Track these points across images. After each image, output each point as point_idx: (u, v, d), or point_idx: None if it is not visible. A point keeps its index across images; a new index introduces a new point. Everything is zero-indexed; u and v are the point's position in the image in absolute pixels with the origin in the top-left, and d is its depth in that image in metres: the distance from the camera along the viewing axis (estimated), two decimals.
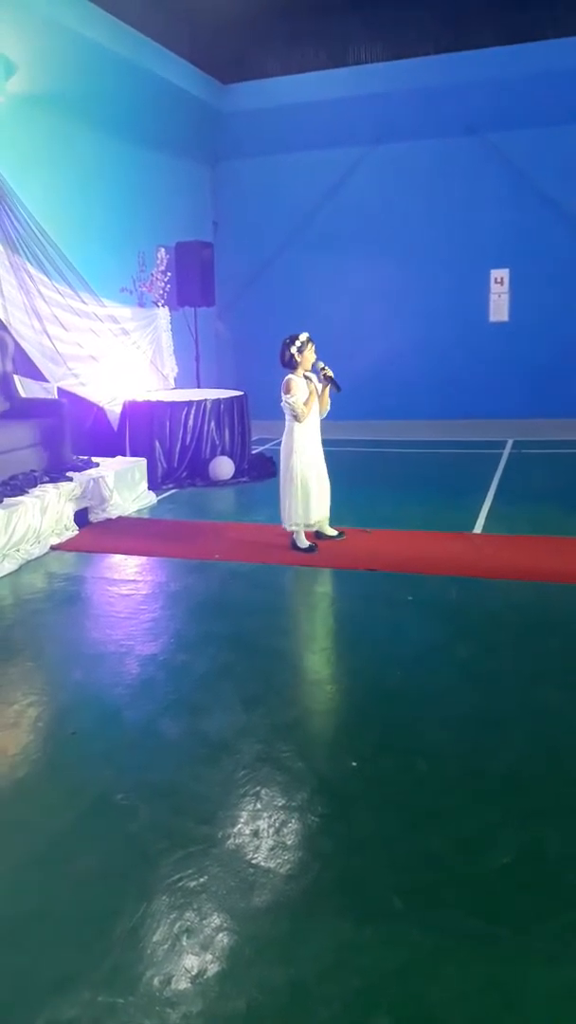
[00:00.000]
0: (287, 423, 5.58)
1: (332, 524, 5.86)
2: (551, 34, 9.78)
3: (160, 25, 9.33)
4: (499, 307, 10.93)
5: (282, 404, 5.52)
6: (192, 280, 10.33)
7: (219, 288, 11.14)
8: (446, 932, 2.18)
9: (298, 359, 5.48)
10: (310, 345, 5.51)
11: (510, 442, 9.60)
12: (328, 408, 5.70)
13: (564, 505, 6.68)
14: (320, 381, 5.58)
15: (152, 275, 9.57)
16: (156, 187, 10.29)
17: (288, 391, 5.47)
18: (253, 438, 8.90)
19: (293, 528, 5.62)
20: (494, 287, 10.92)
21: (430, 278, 11.06)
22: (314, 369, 5.57)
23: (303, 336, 5.51)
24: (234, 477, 8.08)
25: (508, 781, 2.88)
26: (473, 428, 10.43)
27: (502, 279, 10.86)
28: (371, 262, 11.21)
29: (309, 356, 5.51)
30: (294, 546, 5.61)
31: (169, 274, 9.84)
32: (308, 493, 5.53)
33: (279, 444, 5.80)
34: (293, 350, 5.47)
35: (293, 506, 5.55)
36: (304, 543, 5.61)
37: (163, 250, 9.73)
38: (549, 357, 10.61)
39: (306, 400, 5.49)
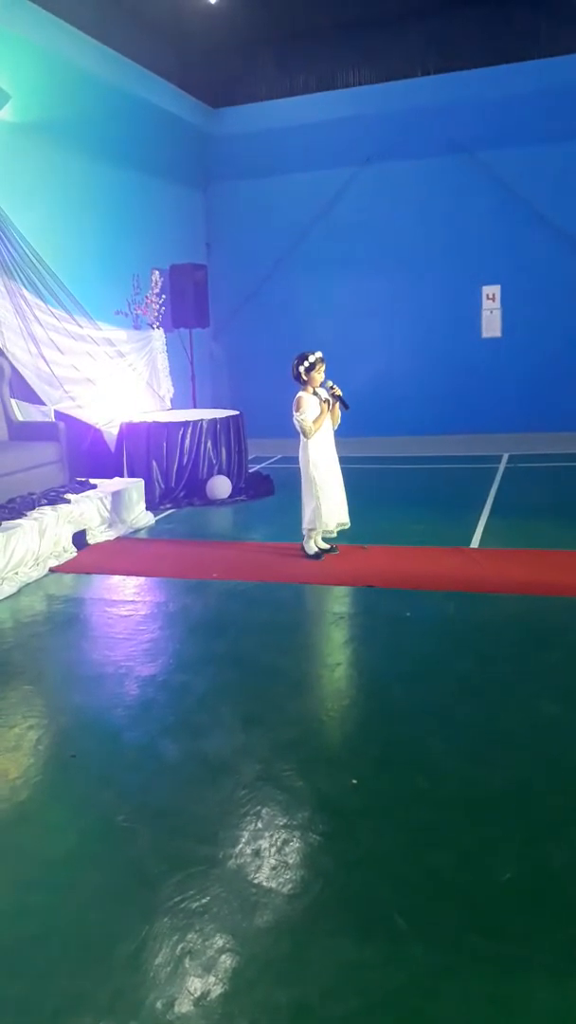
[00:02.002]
0: (301, 438, 5.76)
1: (327, 540, 5.93)
2: (537, 54, 9.96)
3: (150, 52, 9.50)
4: (491, 323, 11.03)
5: (293, 420, 5.72)
6: (186, 302, 10.42)
7: (213, 309, 11.24)
8: (448, 949, 2.18)
9: (306, 378, 5.65)
10: (320, 365, 5.66)
11: (505, 456, 9.64)
12: (339, 421, 5.88)
13: (560, 518, 6.71)
14: (329, 398, 5.74)
15: (147, 298, 9.66)
16: (149, 210, 10.40)
17: (298, 408, 5.66)
18: (250, 457, 8.93)
19: (308, 532, 5.82)
20: (486, 303, 11.02)
21: (422, 295, 11.17)
22: (323, 386, 5.72)
23: (313, 356, 5.65)
24: (231, 496, 8.11)
25: (509, 796, 2.88)
26: (467, 443, 10.48)
27: (494, 295, 10.96)
28: (363, 281, 11.32)
29: (318, 376, 5.67)
30: (304, 552, 5.82)
31: (163, 296, 9.93)
32: (324, 498, 5.73)
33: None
34: (301, 369, 5.64)
35: (316, 510, 5.75)
36: (313, 549, 5.82)
37: (157, 273, 9.83)
38: (542, 371, 10.70)
39: (316, 417, 5.66)
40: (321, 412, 5.70)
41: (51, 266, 7.80)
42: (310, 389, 5.68)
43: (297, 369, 5.65)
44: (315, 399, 5.69)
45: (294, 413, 5.69)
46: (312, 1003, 2.03)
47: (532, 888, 2.40)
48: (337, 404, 5.77)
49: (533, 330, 10.77)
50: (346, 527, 5.94)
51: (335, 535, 5.94)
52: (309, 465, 5.76)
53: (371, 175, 11.14)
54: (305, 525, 5.85)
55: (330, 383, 5.72)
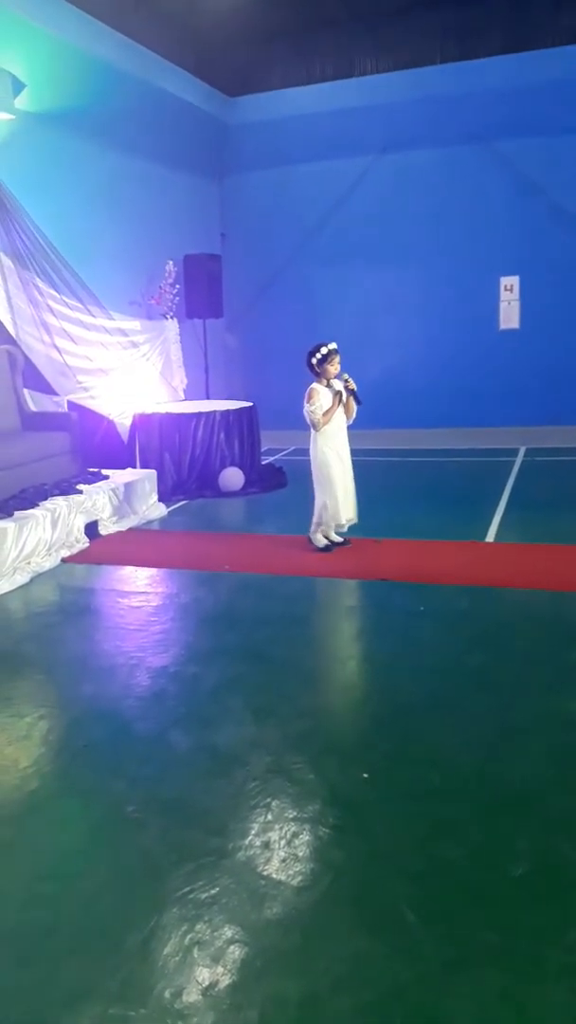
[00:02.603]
0: (312, 431, 5.69)
1: (340, 532, 5.89)
2: (557, 42, 9.82)
3: (166, 40, 9.44)
4: (509, 314, 10.93)
5: (304, 412, 5.64)
6: (200, 292, 10.39)
7: (227, 300, 11.20)
8: (459, 944, 2.16)
9: (319, 370, 5.57)
10: (334, 357, 5.56)
11: (522, 450, 9.57)
12: (354, 415, 5.79)
13: None
14: (344, 390, 5.66)
15: (160, 288, 9.64)
16: (164, 200, 10.38)
17: (309, 400, 5.59)
18: (263, 449, 8.91)
19: (315, 526, 5.76)
20: (504, 294, 10.92)
21: (439, 286, 11.08)
22: (338, 378, 5.64)
23: (326, 348, 5.56)
24: (244, 488, 8.10)
25: (523, 792, 2.85)
26: (484, 436, 10.41)
27: (512, 286, 10.86)
28: (379, 271, 11.24)
29: (331, 368, 5.57)
30: (310, 543, 5.77)
31: (177, 287, 9.91)
32: (336, 493, 5.67)
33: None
34: (315, 360, 5.57)
35: (328, 504, 5.69)
36: (321, 542, 5.76)
37: (171, 263, 9.80)
38: (560, 364, 10.60)
39: (327, 410, 5.58)
40: (333, 405, 5.61)
41: (65, 256, 7.80)
42: (324, 381, 5.61)
43: (310, 360, 5.58)
44: (328, 391, 5.61)
45: (305, 404, 5.62)
46: (321, 995, 2.02)
47: (545, 884, 2.37)
48: (351, 398, 5.68)
49: (552, 322, 10.67)
50: (353, 523, 5.85)
51: (345, 528, 5.88)
52: (318, 459, 5.69)
53: (387, 165, 11.06)
54: (323, 518, 5.79)
55: (345, 376, 5.63)
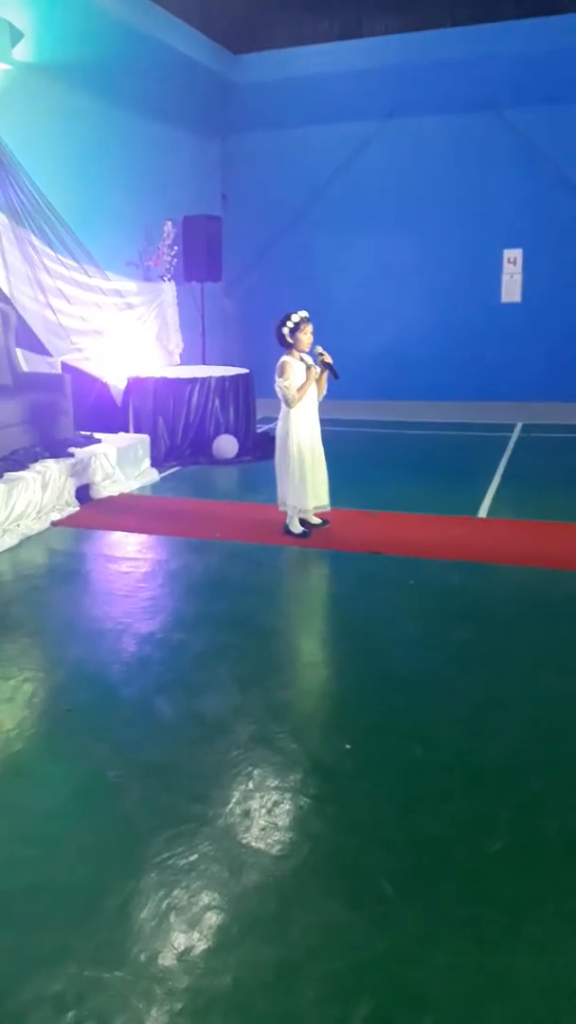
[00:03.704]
0: (282, 407, 5.37)
1: (332, 504, 5.73)
2: (571, 7, 9.56)
3: None
4: (511, 288, 10.80)
5: (275, 388, 5.32)
6: (199, 255, 10.21)
7: (226, 263, 11.03)
8: (436, 916, 2.17)
9: (291, 340, 5.22)
10: (306, 325, 5.22)
11: (519, 425, 9.52)
12: (324, 392, 5.48)
13: (571, 490, 6.63)
14: (317, 365, 5.33)
15: (158, 249, 9.48)
16: (164, 159, 10.15)
17: (282, 374, 5.24)
18: (258, 417, 8.84)
19: (291, 513, 5.46)
20: (507, 267, 10.77)
21: (442, 256, 10.93)
22: (311, 353, 5.33)
23: (297, 315, 5.22)
24: (238, 456, 8.04)
25: (506, 767, 2.86)
26: (482, 410, 10.35)
27: (515, 259, 10.72)
28: (382, 239, 11.07)
29: (304, 337, 5.23)
30: (287, 531, 5.46)
31: (176, 248, 9.74)
32: (306, 477, 5.34)
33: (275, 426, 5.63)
34: (285, 331, 5.21)
35: (292, 490, 5.37)
36: (298, 528, 5.44)
37: (170, 224, 9.62)
38: (562, 339, 10.50)
39: (300, 385, 5.25)
40: (307, 379, 5.25)
41: (61, 213, 7.63)
42: (296, 353, 5.26)
43: (280, 331, 5.20)
44: (300, 365, 5.27)
45: (276, 379, 5.23)
46: (296, 962, 2.03)
47: (523, 859, 2.39)
48: (326, 372, 5.36)
49: (554, 296, 10.54)
50: (325, 509, 5.52)
51: (327, 508, 5.54)
52: (289, 439, 5.30)
53: (394, 129, 10.83)
54: (290, 503, 5.41)
55: (319, 349, 5.29)
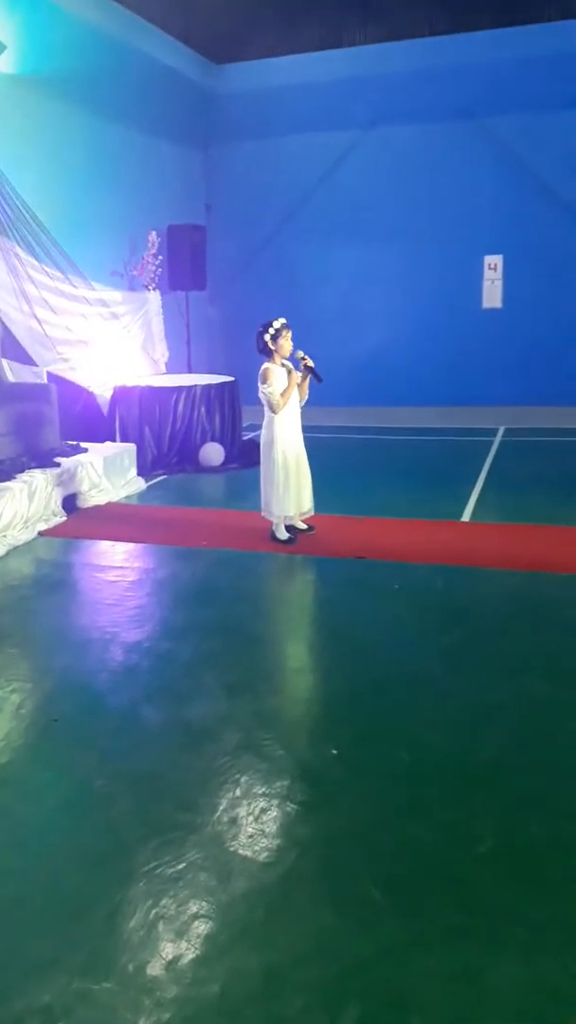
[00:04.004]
0: (266, 413, 5.41)
1: (317, 510, 5.77)
2: (549, 16, 9.68)
3: (153, 4, 9.20)
4: (492, 294, 10.88)
5: (259, 394, 5.36)
6: (183, 264, 10.24)
7: (211, 272, 11.06)
8: (423, 921, 2.19)
9: (273, 347, 5.27)
10: (286, 332, 5.28)
11: (501, 429, 9.58)
12: (307, 397, 5.53)
13: (553, 494, 6.68)
14: (299, 370, 5.39)
15: (143, 258, 9.50)
16: (148, 169, 10.18)
17: (264, 381, 5.29)
18: (244, 424, 8.86)
19: (276, 520, 5.49)
20: (487, 273, 10.86)
21: (423, 263, 11.00)
22: (292, 359, 5.37)
23: (278, 322, 5.29)
24: (224, 463, 8.06)
25: (491, 771, 2.88)
26: (464, 415, 10.41)
27: (496, 265, 10.80)
28: (365, 247, 11.14)
29: (285, 344, 5.29)
30: (273, 537, 5.49)
31: (160, 257, 9.76)
32: (290, 484, 5.38)
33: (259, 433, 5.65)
34: (267, 337, 5.26)
35: (276, 497, 5.41)
36: (283, 535, 5.47)
37: (154, 233, 9.65)
38: (541, 345, 10.59)
39: (283, 390, 5.30)
40: (289, 385, 5.32)
41: (45, 223, 7.64)
42: (277, 359, 5.31)
43: (263, 339, 5.25)
44: (282, 371, 5.32)
45: (260, 385, 5.29)
46: (283, 969, 2.04)
47: (509, 863, 2.41)
48: (308, 377, 5.41)
49: (534, 302, 10.63)
50: (310, 514, 5.57)
51: (311, 513, 5.58)
52: (274, 444, 5.35)
53: (375, 139, 10.91)
54: (274, 511, 5.46)
55: (300, 353, 5.33)
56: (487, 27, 9.88)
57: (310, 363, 5.38)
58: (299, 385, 5.42)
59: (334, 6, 10.32)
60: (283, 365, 5.37)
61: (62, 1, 7.75)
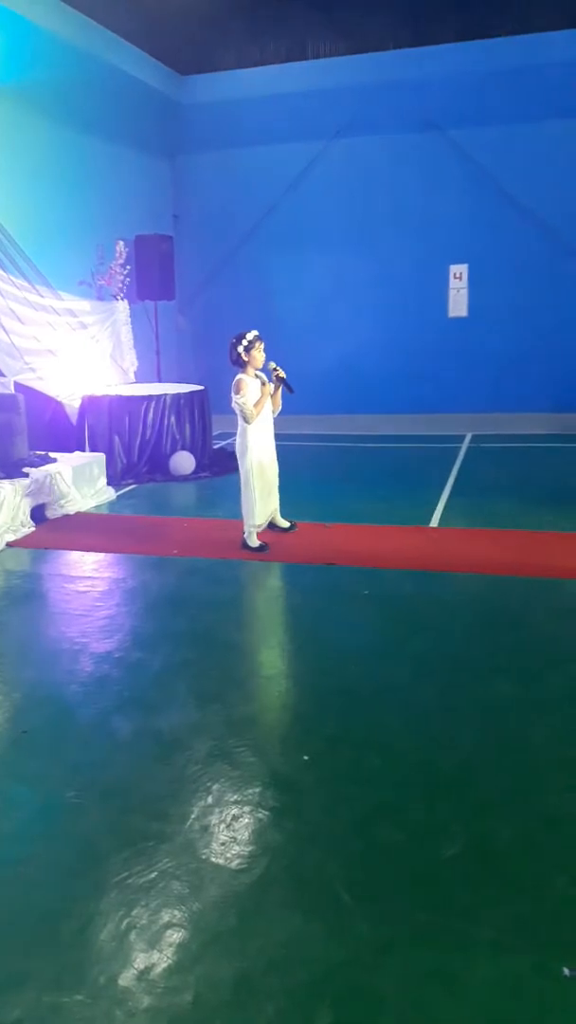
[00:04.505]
0: (239, 423, 5.48)
1: (288, 516, 5.86)
2: (510, 31, 9.86)
3: (118, 16, 9.20)
4: (458, 302, 11.03)
5: (232, 404, 5.41)
6: (152, 273, 10.25)
7: (179, 282, 11.08)
8: (393, 923, 2.21)
9: (246, 358, 5.35)
10: (259, 343, 5.37)
11: (468, 436, 9.70)
12: (280, 407, 5.65)
13: (520, 499, 6.78)
14: (272, 381, 5.50)
15: (111, 268, 9.48)
16: (115, 179, 10.17)
17: (238, 392, 5.35)
18: (214, 433, 8.87)
19: (249, 529, 5.55)
20: (453, 282, 11.01)
21: (390, 273, 11.12)
22: (265, 370, 5.46)
23: (251, 334, 5.38)
24: (195, 472, 8.05)
25: (460, 774, 2.92)
26: (432, 422, 10.53)
27: (461, 274, 10.95)
28: (332, 256, 11.23)
29: (258, 355, 5.38)
30: (245, 546, 5.53)
31: (128, 267, 9.75)
32: (261, 492, 5.49)
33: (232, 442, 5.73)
34: (240, 349, 5.34)
35: (248, 506, 5.51)
36: (255, 543, 5.52)
37: (122, 243, 9.64)
38: (507, 352, 10.75)
39: (257, 401, 5.38)
40: (262, 395, 5.41)
41: (11, 233, 7.60)
42: (251, 371, 5.40)
43: (236, 351, 5.33)
44: (255, 382, 5.42)
45: (233, 396, 5.36)
46: (254, 976, 2.05)
47: (477, 865, 2.44)
48: (280, 388, 5.54)
49: (499, 311, 10.80)
50: (275, 516, 5.72)
51: (277, 514, 5.71)
52: (247, 453, 5.43)
53: (341, 149, 11.02)
54: (246, 519, 5.55)
55: (272, 364, 5.45)
56: (450, 40, 10.03)
57: (282, 374, 5.48)
58: (272, 396, 5.50)
59: (299, 19, 10.40)
60: (256, 376, 5.43)
61: (29, 13, 7.73)
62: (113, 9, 9.04)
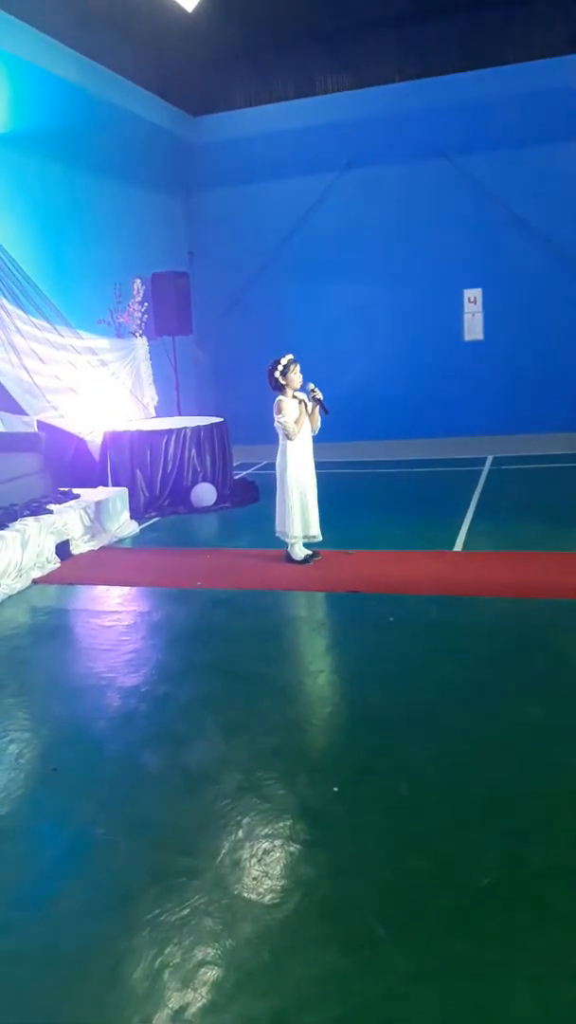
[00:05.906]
0: (280, 441, 5.78)
1: (311, 545, 5.91)
2: (512, 59, 10.02)
3: (128, 60, 9.50)
4: (473, 326, 11.08)
5: (275, 424, 5.73)
6: (169, 309, 10.42)
7: (196, 316, 11.24)
8: (429, 955, 2.18)
9: (283, 381, 5.68)
10: (294, 366, 5.69)
11: (489, 459, 9.68)
12: (319, 426, 5.89)
13: (543, 520, 6.73)
14: (310, 400, 5.77)
15: (129, 306, 9.66)
16: (130, 219, 10.40)
17: (279, 411, 5.70)
18: (235, 463, 8.93)
19: (292, 541, 5.81)
20: (468, 306, 11.07)
21: (405, 299, 11.21)
22: (303, 390, 5.75)
23: (285, 359, 5.70)
24: (216, 503, 8.10)
25: (490, 801, 2.88)
26: (451, 446, 10.52)
27: (475, 299, 11.02)
28: (346, 286, 11.35)
29: (295, 377, 5.70)
30: (289, 559, 5.81)
31: (146, 304, 9.93)
32: (305, 506, 5.77)
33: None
34: (277, 374, 5.68)
35: (291, 519, 5.75)
36: (300, 554, 5.82)
37: (139, 281, 9.83)
38: (524, 373, 10.76)
39: (296, 419, 5.69)
40: (300, 414, 5.73)
41: (31, 276, 7.79)
42: (289, 392, 5.72)
43: (273, 376, 5.69)
44: (294, 402, 5.73)
45: (275, 416, 5.73)
46: (289, 1013, 2.02)
47: (512, 893, 2.40)
48: (317, 408, 5.79)
49: (515, 332, 10.83)
50: (316, 540, 5.88)
51: (319, 538, 5.90)
52: (288, 470, 5.76)
53: (351, 181, 11.19)
54: (288, 532, 5.81)
55: (311, 385, 5.75)
56: (452, 71, 10.21)
57: (319, 395, 5.75)
58: (310, 415, 5.79)
59: (305, 57, 10.67)
60: (295, 397, 5.72)
61: (39, 60, 7.99)
62: (124, 55, 9.33)
